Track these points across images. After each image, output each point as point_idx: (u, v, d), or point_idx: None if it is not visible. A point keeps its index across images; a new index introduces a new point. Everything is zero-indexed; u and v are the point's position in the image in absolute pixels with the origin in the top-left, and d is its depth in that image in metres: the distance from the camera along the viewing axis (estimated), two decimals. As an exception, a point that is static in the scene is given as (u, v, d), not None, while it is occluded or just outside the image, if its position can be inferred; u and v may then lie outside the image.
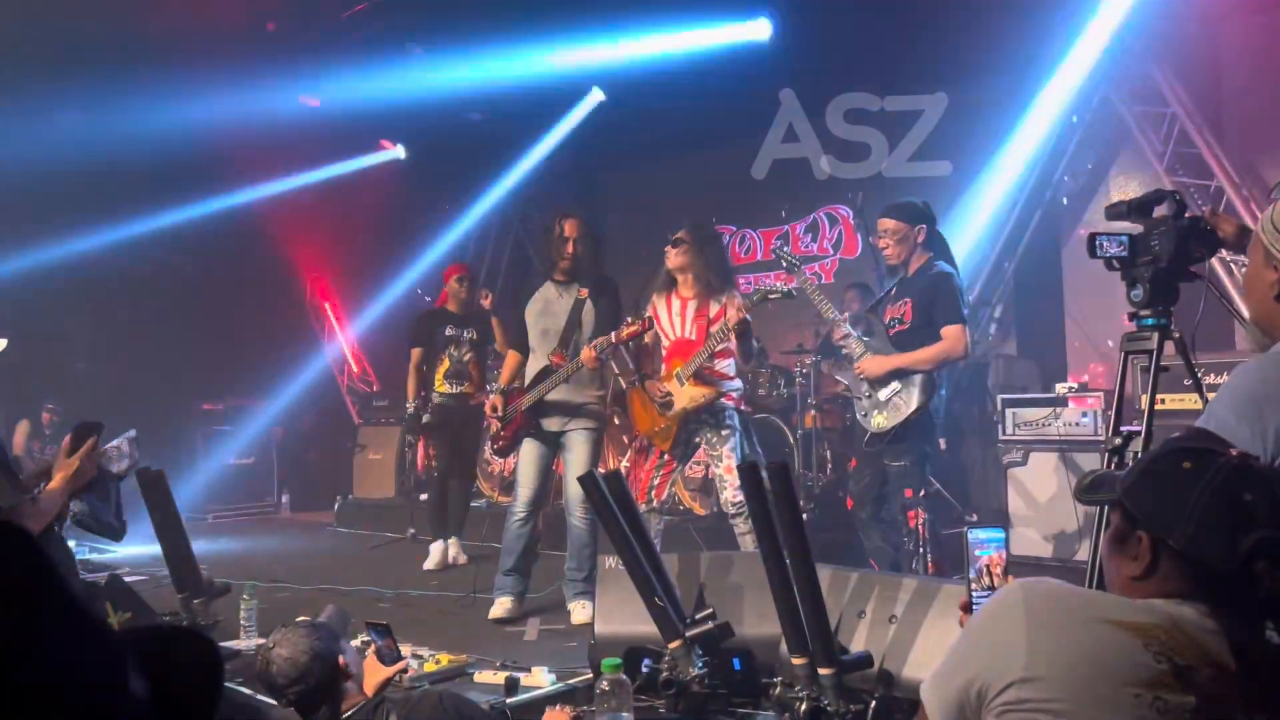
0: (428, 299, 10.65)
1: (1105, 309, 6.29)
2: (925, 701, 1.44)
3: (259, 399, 9.65)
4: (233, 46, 8.25)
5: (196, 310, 9.44)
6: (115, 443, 3.44)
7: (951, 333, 4.16)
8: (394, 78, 8.79)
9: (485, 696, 3.16)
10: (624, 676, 2.62)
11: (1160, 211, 2.82)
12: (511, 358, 4.91)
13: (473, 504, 6.85)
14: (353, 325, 11.06)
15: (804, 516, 2.92)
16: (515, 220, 10.72)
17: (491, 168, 10.33)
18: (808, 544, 2.76)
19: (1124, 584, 1.41)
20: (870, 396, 4.27)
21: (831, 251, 8.50)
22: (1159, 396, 2.86)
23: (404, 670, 3.13)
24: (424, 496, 7.93)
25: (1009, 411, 5.73)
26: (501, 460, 7.15)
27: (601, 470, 3.77)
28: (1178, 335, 2.85)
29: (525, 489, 4.67)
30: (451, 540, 6.30)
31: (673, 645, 3.07)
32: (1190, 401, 4.34)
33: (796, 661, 2.80)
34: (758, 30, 7.63)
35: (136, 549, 6.70)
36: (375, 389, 10.38)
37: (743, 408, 4.82)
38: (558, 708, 2.87)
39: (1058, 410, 5.54)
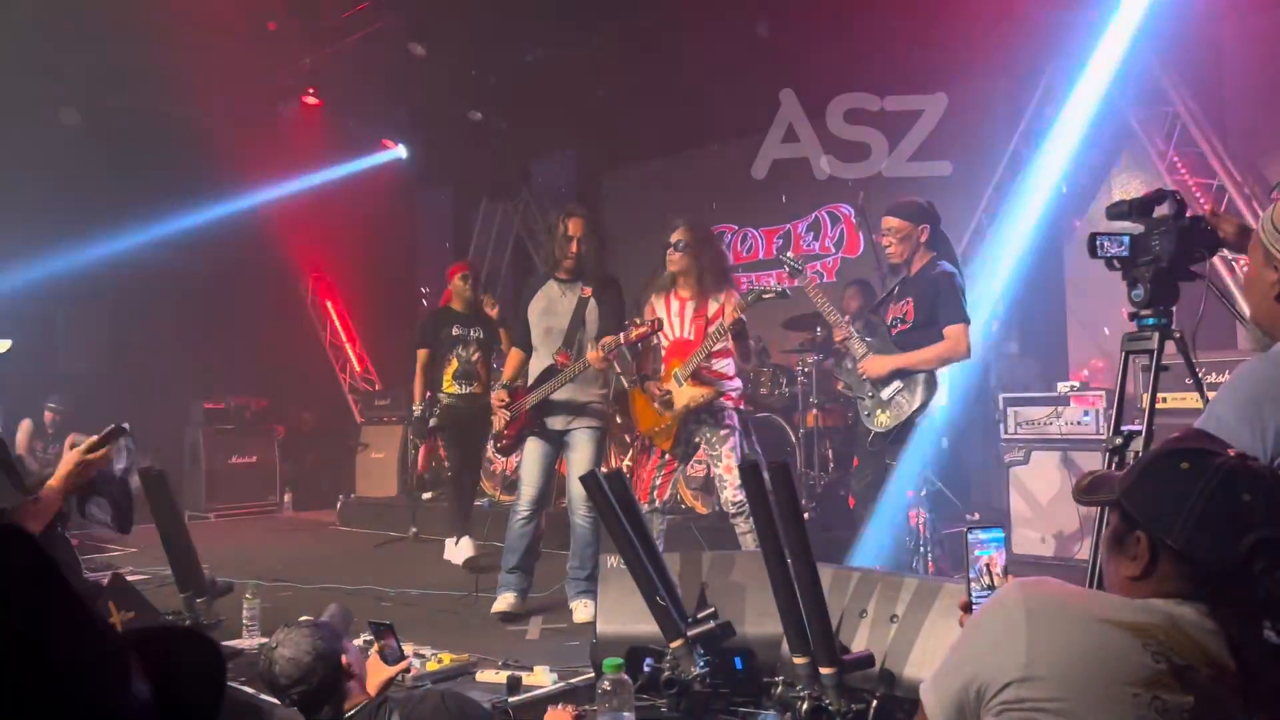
0: (424, 290, 10.68)
1: (1106, 306, 6.29)
2: (924, 701, 1.45)
3: (261, 398, 9.66)
4: (234, 46, 8.25)
5: (199, 309, 9.46)
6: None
7: (953, 332, 4.16)
8: (395, 77, 8.81)
9: (487, 696, 3.17)
10: (626, 676, 2.62)
11: (1161, 211, 2.82)
12: (514, 355, 4.90)
13: (475, 502, 6.85)
14: (355, 324, 11.08)
15: (805, 516, 2.93)
16: (516, 220, 10.73)
17: (493, 167, 10.34)
18: (809, 543, 2.77)
19: (1123, 584, 1.42)
20: (873, 396, 4.27)
21: (833, 250, 8.50)
22: (1160, 395, 2.87)
23: (407, 669, 3.14)
24: (426, 496, 7.94)
25: (1010, 410, 5.73)
26: (504, 459, 7.15)
27: (604, 469, 3.77)
28: (1178, 335, 2.85)
29: (529, 488, 4.68)
30: (465, 539, 6.24)
31: (674, 644, 3.07)
32: (1192, 400, 4.34)
33: (798, 661, 2.81)
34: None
35: (139, 548, 6.74)
36: (377, 388, 10.40)
37: (742, 407, 4.82)
38: (560, 707, 2.88)
39: (1059, 409, 5.54)
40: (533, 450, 4.70)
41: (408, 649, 3.33)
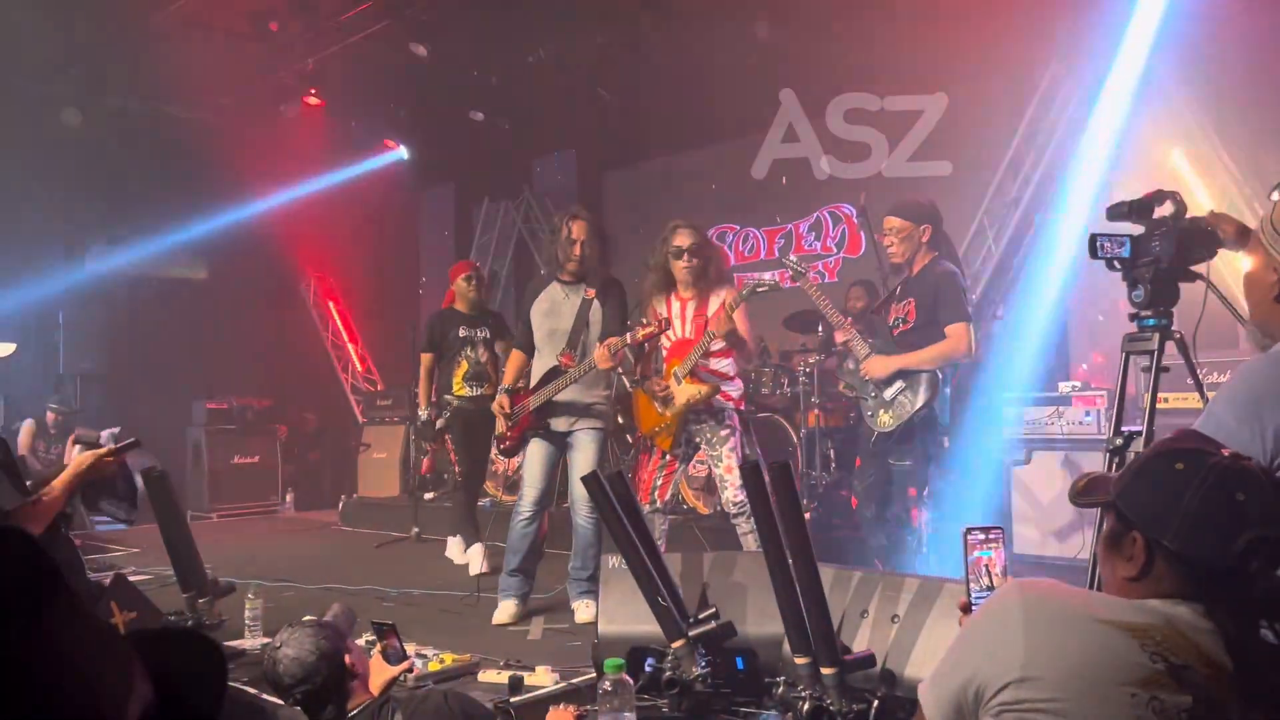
0: (423, 279, 10.67)
1: (1107, 302, 6.28)
2: (923, 702, 1.45)
3: (263, 398, 9.67)
4: (236, 46, 8.26)
5: (201, 309, 9.48)
6: (106, 439, 3.59)
7: (955, 331, 4.16)
8: (397, 77, 8.81)
9: (489, 696, 3.17)
10: (627, 676, 2.63)
11: (1161, 212, 2.82)
12: (515, 357, 4.89)
13: (478, 503, 6.82)
14: (356, 324, 11.10)
15: (807, 516, 2.93)
16: (518, 220, 10.74)
17: (495, 167, 10.36)
18: (810, 543, 2.78)
19: (1119, 585, 1.42)
20: (876, 396, 4.28)
21: (835, 250, 8.50)
22: (1161, 395, 2.87)
23: (409, 669, 3.14)
24: (428, 496, 7.94)
25: (1011, 410, 5.73)
26: (506, 460, 7.14)
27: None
28: (1179, 335, 2.86)
29: (531, 489, 4.67)
30: (475, 546, 6.09)
31: (676, 645, 3.08)
32: (1192, 400, 4.33)
33: (799, 661, 2.81)
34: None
35: (141, 548, 6.75)
36: (379, 388, 10.41)
37: (743, 407, 4.82)
38: (561, 707, 2.88)
39: (1060, 409, 5.54)
40: (535, 451, 4.70)
41: (410, 649, 3.34)
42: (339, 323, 11.04)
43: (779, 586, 2.81)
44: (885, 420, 4.23)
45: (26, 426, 7.97)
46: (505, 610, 4.61)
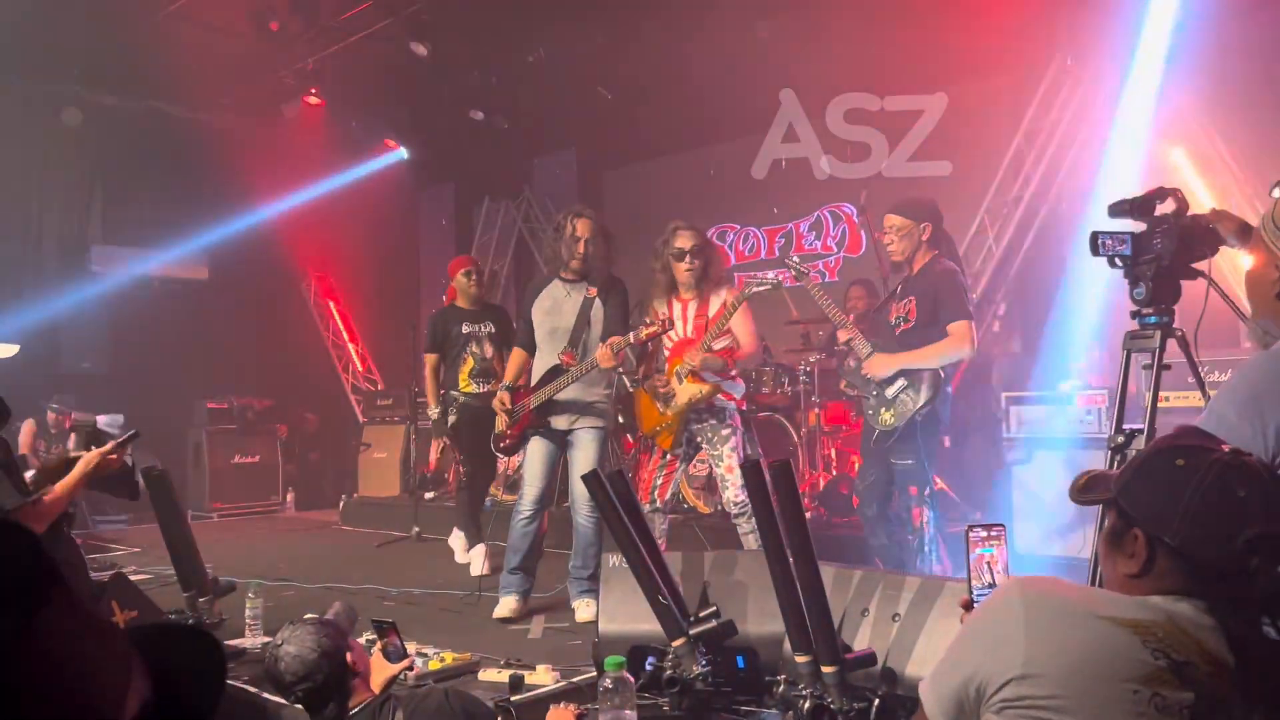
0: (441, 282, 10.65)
1: (1108, 301, 6.27)
2: (924, 699, 1.45)
3: (264, 398, 9.67)
4: (237, 46, 8.26)
5: (201, 309, 9.47)
6: (105, 423, 3.69)
7: (957, 329, 4.15)
8: (397, 77, 8.81)
9: (489, 694, 3.17)
10: (627, 674, 2.63)
11: (1162, 209, 2.82)
12: (516, 355, 4.89)
13: (482, 502, 6.78)
14: (357, 323, 11.10)
15: (808, 515, 2.93)
16: (518, 219, 10.74)
17: (495, 166, 10.36)
18: (811, 542, 2.77)
19: (1121, 582, 1.42)
20: (877, 395, 4.27)
21: (835, 249, 8.50)
22: (1162, 394, 2.87)
23: (409, 667, 3.14)
24: (429, 495, 7.94)
25: (1013, 409, 5.72)
26: (506, 459, 7.12)
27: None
28: (1180, 333, 2.85)
29: (532, 487, 4.67)
30: (478, 547, 6.05)
31: (676, 643, 3.08)
32: (1195, 399, 4.33)
33: (800, 659, 2.81)
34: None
35: (142, 548, 6.76)
36: (379, 387, 10.41)
37: (744, 407, 4.82)
38: (562, 705, 2.88)
39: (1062, 408, 5.53)
40: (536, 450, 4.70)
41: (410, 648, 3.34)
42: (339, 322, 11.04)
43: (780, 585, 2.81)
44: (887, 419, 4.22)
45: (27, 426, 7.96)
46: (506, 605, 4.61)
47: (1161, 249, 2.75)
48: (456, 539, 6.39)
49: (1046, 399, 5.66)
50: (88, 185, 9.27)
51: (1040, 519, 5.52)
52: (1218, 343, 4.79)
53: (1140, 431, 2.80)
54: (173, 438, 8.95)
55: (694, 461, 5.23)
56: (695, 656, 3.04)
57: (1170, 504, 1.34)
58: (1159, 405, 2.82)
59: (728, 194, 9.02)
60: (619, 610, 3.42)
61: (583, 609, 4.53)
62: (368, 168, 10.29)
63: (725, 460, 4.53)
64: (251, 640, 4.07)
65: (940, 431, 4.44)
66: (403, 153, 10.23)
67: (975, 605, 1.83)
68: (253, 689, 3.42)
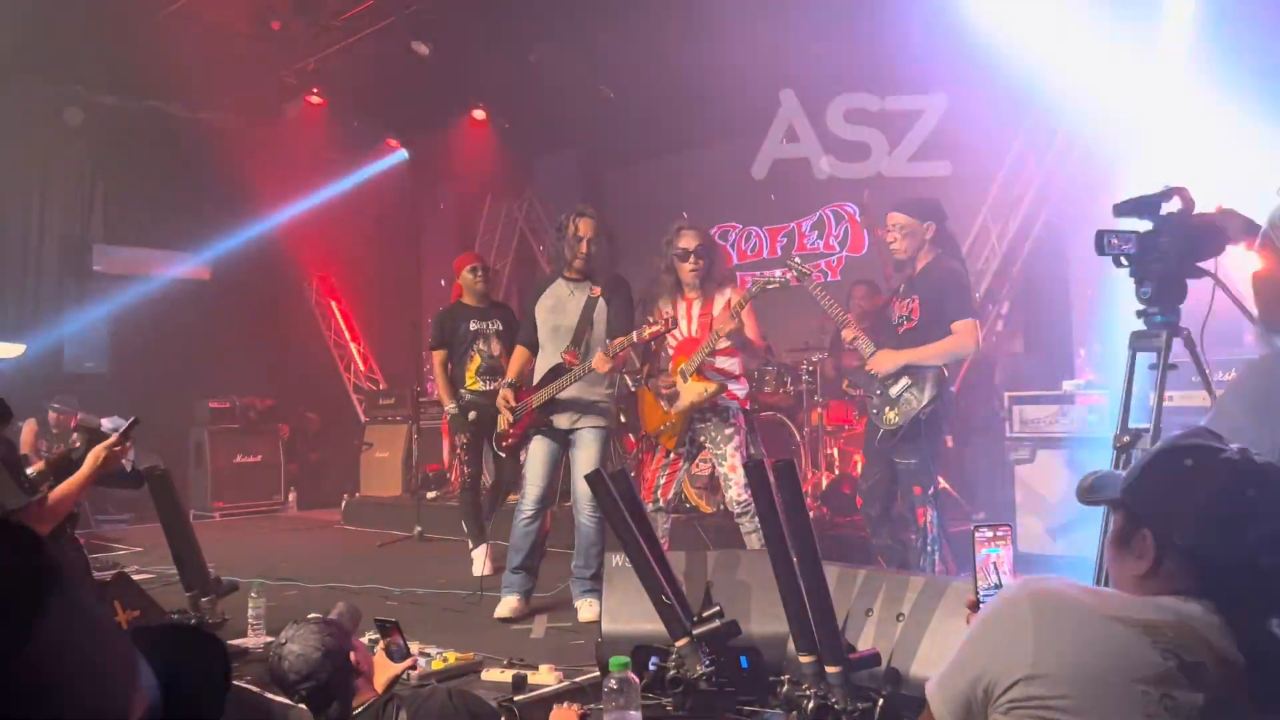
0: (443, 281, 10.65)
1: (1112, 300, 6.26)
2: (930, 700, 1.44)
3: (266, 397, 9.67)
4: (238, 46, 8.26)
5: (203, 308, 9.47)
6: (108, 427, 3.69)
7: (962, 327, 4.14)
8: (399, 76, 8.81)
9: (492, 694, 3.17)
10: (631, 674, 2.62)
11: (1168, 208, 2.81)
12: (519, 353, 4.88)
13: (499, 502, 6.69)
14: (359, 323, 11.10)
15: (811, 514, 2.92)
16: (520, 218, 10.74)
17: (497, 166, 10.35)
18: (815, 542, 2.77)
19: (1129, 582, 1.41)
20: (881, 394, 4.26)
21: (838, 249, 8.50)
22: (1168, 393, 2.86)
23: (413, 667, 3.14)
24: (431, 495, 7.93)
25: (1016, 409, 5.71)
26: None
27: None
28: (1186, 332, 2.84)
29: (534, 487, 4.67)
30: (480, 548, 5.96)
31: (680, 643, 3.07)
32: (1200, 398, 4.32)
33: (804, 659, 2.80)
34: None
35: (144, 547, 6.76)
36: (381, 387, 10.40)
37: (747, 407, 4.82)
38: (565, 705, 2.87)
39: (1065, 408, 5.52)
40: (538, 449, 4.69)
41: (413, 647, 3.34)
42: (341, 322, 11.05)
43: (783, 585, 2.80)
44: (891, 418, 4.21)
45: (29, 426, 7.97)
46: (507, 604, 4.61)
47: (1168, 248, 2.74)
48: (478, 554, 6.09)
49: (1049, 398, 5.66)
50: (89, 185, 9.26)
51: (1043, 518, 5.52)
52: (1220, 341, 4.79)
53: (1146, 431, 2.79)
54: (175, 437, 8.95)
55: (697, 461, 5.22)
56: (699, 657, 3.04)
57: (1179, 504, 1.33)
58: (1165, 405, 2.82)
59: (729, 193, 9.02)
60: (622, 610, 3.41)
61: (585, 609, 4.53)
62: (369, 168, 10.29)
63: (728, 459, 4.53)
64: (254, 640, 4.06)
65: (943, 431, 4.43)
66: (404, 152, 10.22)
67: (982, 605, 1.82)
68: (255, 689, 3.41)
